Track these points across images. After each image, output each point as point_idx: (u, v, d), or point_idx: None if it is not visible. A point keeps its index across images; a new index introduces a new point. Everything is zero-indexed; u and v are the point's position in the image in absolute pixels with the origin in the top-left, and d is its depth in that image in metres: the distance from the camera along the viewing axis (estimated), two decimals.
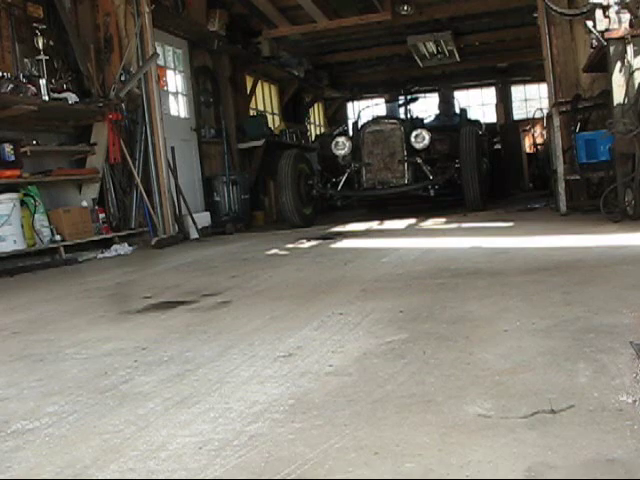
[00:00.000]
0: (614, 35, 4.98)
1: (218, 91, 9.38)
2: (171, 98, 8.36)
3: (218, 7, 9.11)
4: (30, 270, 5.22)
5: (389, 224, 7.09)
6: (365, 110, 10.18)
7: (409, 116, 8.95)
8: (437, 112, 10.51)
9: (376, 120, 7.92)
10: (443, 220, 6.69)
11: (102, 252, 6.02)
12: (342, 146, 7.79)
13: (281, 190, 7.57)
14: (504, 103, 17.71)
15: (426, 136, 7.57)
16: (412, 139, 7.57)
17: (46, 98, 5.79)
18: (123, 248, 6.16)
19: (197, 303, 3.03)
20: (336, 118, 15.35)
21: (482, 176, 7.60)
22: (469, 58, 13.50)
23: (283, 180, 7.50)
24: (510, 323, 2.07)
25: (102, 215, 6.55)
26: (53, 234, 5.74)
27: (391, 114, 8.67)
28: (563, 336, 1.86)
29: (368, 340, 2.03)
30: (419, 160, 7.58)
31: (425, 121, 9.24)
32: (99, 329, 2.63)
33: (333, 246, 5.16)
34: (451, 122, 9.60)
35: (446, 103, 10.75)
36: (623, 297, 2.30)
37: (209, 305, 2.95)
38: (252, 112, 10.52)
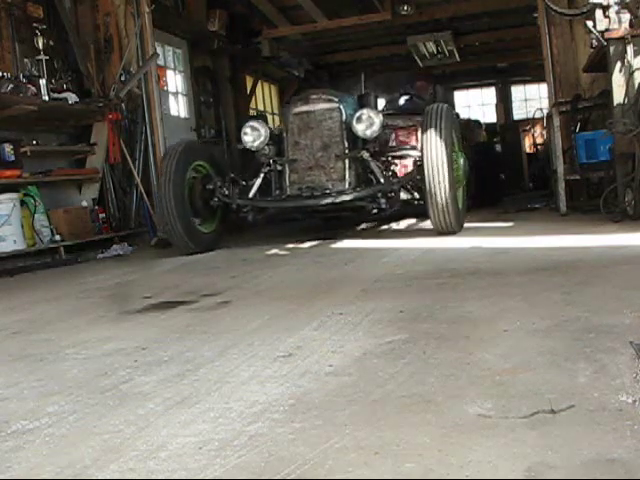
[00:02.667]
0: (614, 35, 4.99)
1: (218, 91, 9.38)
2: (171, 98, 8.36)
3: (218, 7, 9.10)
4: (30, 270, 5.23)
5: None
6: None
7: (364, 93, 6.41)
8: (412, 93, 8.23)
9: (305, 97, 5.47)
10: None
11: (102, 252, 6.02)
12: (254, 134, 5.41)
13: (161, 198, 5.21)
14: (504, 103, 17.71)
15: (375, 119, 5.12)
16: (354, 124, 5.12)
17: (46, 98, 5.78)
18: (123, 248, 6.16)
19: (197, 303, 3.03)
20: None
21: (460, 178, 5.32)
22: (469, 58, 13.49)
23: (164, 184, 5.15)
24: (510, 323, 2.07)
25: (102, 215, 6.54)
26: (53, 234, 5.74)
27: (330, 90, 5.82)
28: (563, 336, 1.86)
29: (368, 340, 2.03)
30: (366, 155, 5.17)
31: (399, 104, 7.50)
32: (99, 329, 2.63)
33: (333, 246, 5.16)
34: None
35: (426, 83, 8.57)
36: (623, 297, 2.30)
37: (209, 305, 2.95)
38: (252, 112, 10.51)
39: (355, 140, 5.28)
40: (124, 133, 6.82)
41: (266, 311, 2.68)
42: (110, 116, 6.55)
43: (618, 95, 4.98)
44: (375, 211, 5.19)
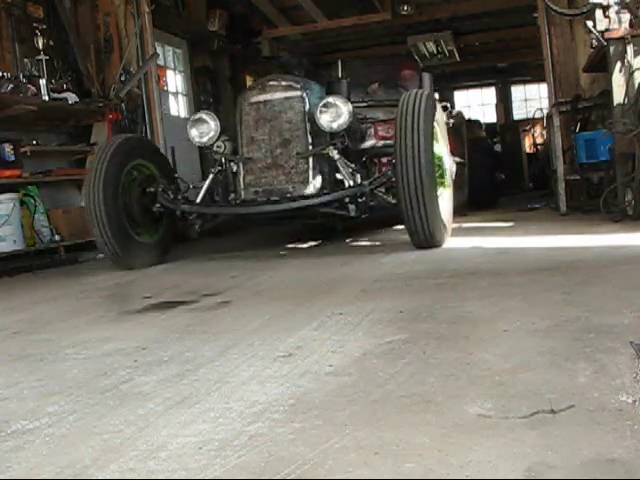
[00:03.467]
0: (614, 35, 4.99)
1: (218, 91, 9.37)
2: (171, 98, 8.36)
3: (218, 7, 9.11)
4: (30, 270, 5.22)
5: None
6: None
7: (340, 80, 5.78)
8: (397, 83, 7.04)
9: (261, 84, 4.68)
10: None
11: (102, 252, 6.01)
12: (202, 128, 4.70)
13: (88, 201, 4.39)
14: (504, 103, 17.72)
15: (342, 109, 4.38)
16: (317, 114, 4.39)
17: (46, 98, 5.78)
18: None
19: (197, 303, 3.03)
20: None
21: (445, 179, 4.57)
22: (469, 58, 13.49)
23: (92, 185, 4.36)
24: (510, 323, 2.07)
25: None
26: (53, 234, 5.74)
27: (292, 76, 5.07)
28: (563, 336, 1.86)
29: (368, 340, 2.03)
30: (333, 153, 4.43)
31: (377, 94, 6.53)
32: (99, 329, 2.63)
33: (333, 246, 5.15)
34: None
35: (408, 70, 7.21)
36: (623, 297, 2.30)
37: (209, 305, 2.95)
38: None
39: (321, 135, 4.53)
40: (124, 133, 6.82)
41: (266, 311, 2.68)
42: (110, 116, 6.55)
43: (618, 95, 4.98)
44: (342, 213, 4.38)
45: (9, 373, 2.05)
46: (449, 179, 4.51)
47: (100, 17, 7.04)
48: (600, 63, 5.52)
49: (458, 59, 12.79)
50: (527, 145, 14.42)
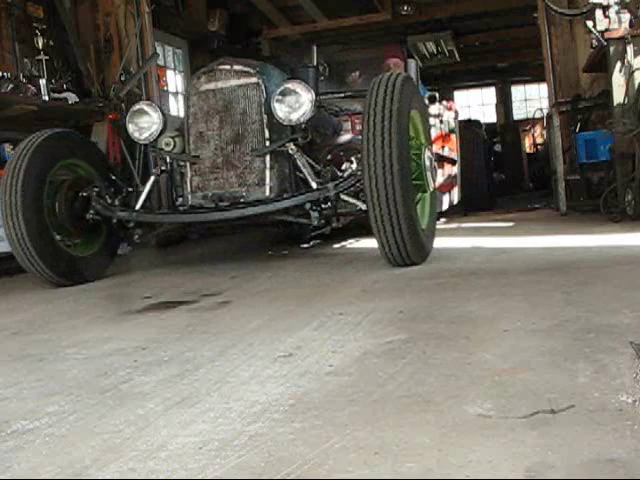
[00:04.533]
0: (614, 35, 5.00)
1: None
2: (171, 98, 8.37)
3: (218, 7, 9.11)
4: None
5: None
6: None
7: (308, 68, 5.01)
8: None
9: (211, 70, 3.99)
10: (442, 220, 6.68)
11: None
12: (141, 122, 4.12)
13: (4, 206, 3.73)
14: (504, 103, 17.74)
15: (303, 97, 3.75)
16: (274, 104, 3.76)
17: (46, 98, 5.78)
18: (122, 248, 6.15)
19: (197, 303, 3.03)
20: None
21: (424, 182, 3.73)
22: (469, 58, 13.51)
23: (9, 186, 3.72)
24: (510, 323, 2.07)
25: None
26: None
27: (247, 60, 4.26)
28: (563, 336, 1.86)
29: (368, 340, 2.03)
30: (293, 149, 3.79)
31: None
32: (99, 329, 2.63)
33: (333, 246, 5.16)
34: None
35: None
36: (623, 297, 2.30)
37: (209, 305, 2.95)
38: None
39: (282, 129, 3.89)
40: (124, 133, 6.81)
41: (266, 311, 2.68)
42: (110, 116, 6.55)
43: (618, 95, 4.98)
44: (304, 222, 3.76)
45: (9, 373, 2.05)
46: (431, 181, 3.79)
47: (100, 17, 7.04)
48: (600, 63, 5.52)
49: (458, 59, 12.80)
50: (527, 145, 14.44)
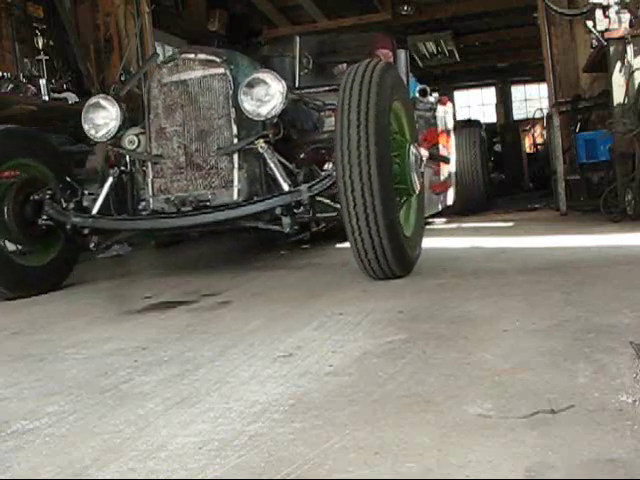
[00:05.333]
0: (614, 35, 5.00)
1: None
2: None
3: (218, 7, 9.11)
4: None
5: None
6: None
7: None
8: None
9: (174, 59, 3.63)
10: (442, 220, 6.68)
11: (101, 252, 6.01)
12: (97, 118, 3.68)
13: None
14: (504, 103, 17.74)
15: (274, 88, 3.35)
16: (240, 96, 3.38)
17: (46, 98, 5.78)
18: (123, 248, 6.15)
19: (197, 303, 3.03)
20: None
21: (409, 185, 3.30)
22: (469, 58, 13.52)
23: None
24: (510, 323, 2.07)
25: None
26: None
27: (214, 48, 3.97)
28: (563, 336, 1.86)
29: (368, 340, 2.03)
30: (263, 147, 3.42)
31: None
32: (99, 329, 2.63)
33: (334, 246, 5.16)
34: None
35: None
36: (623, 297, 2.30)
37: (209, 305, 2.95)
38: None
39: (251, 124, 3.47)
40: None
41: (266, 311, 2.68)
42: None
43: (618, 95, 4.98)
44: (275, 228, 3.37)
45: (9, 373, 2.05)
46: (416, 182, 3.37)
47: (100, 17, 7.05)
48: (600, 63, 5.52)
49: (458, 59, 12.82)
50: (527, 145, 14.44)
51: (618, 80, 4.98)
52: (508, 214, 7.02)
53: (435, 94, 6.11)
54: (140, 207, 3.67)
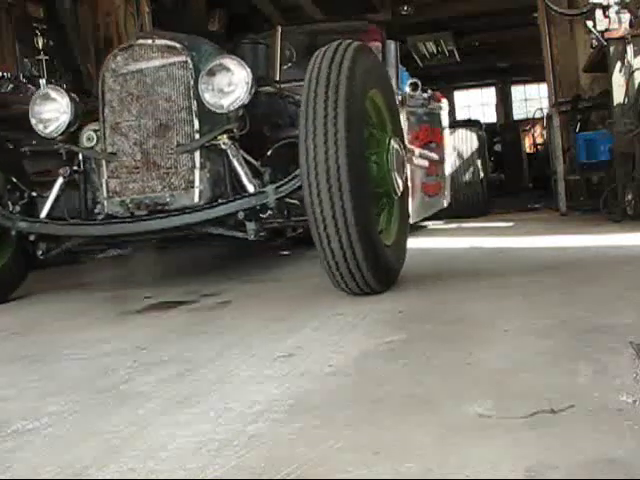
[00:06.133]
0: (614, 35, 5.00)
1: None
2: None
3: (218, 7, 9.12)
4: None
5: None
6: None
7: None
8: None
9: (128, 46, 3.27)
10: (441, 221, 6.68)
11: (101, 252, 6.02)
12: (46, 113, 3.36)
13: None
14: (504, 103, 17.75)
15: (238, 76, 3.00)
16: (201, 86, 3.04)
17: None
18: (123, 248, 6.15)
19: (197, 303, 3.03)
20: None
21: (388, 186, 2.94)
22: (469, 58, 13.52)
23: None
24: (510, 323, 2.07)
25: None
26: None
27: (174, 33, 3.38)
28: (563, 336, 1.86)
29: (368, 340, 2.03)
30: (225, 143, 3.08)
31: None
32: (99, 329, 2.63)
33: None
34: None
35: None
36: (623, 297, 2.30)
37: (209, 305, 2.95)
38: None
39: (215, 118, 3.09)
40: None
41: (266, 311, 2.68)
42: None
43: (618, 95, 4.99)
44: (239, 235, 3.03)
45: (8, 373, 2.05)
46: (398, 182, 3.01)
47: (100, 17, 7.05)
48: (600, 63, 5.52)
49: (458, 59, 12.81)
50: (527, 145, 14.45)
51: (618, 80, 4.98)
52: (508, 214, 7.02)
53: (430, 92, 5.74)
54: (96, 210, 3.33)
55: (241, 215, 2.92)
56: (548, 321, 2.05)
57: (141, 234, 3.18)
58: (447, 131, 6.46)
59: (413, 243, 4.81)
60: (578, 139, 6.33)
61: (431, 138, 5.78)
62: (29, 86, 5.65)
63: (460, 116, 15.59)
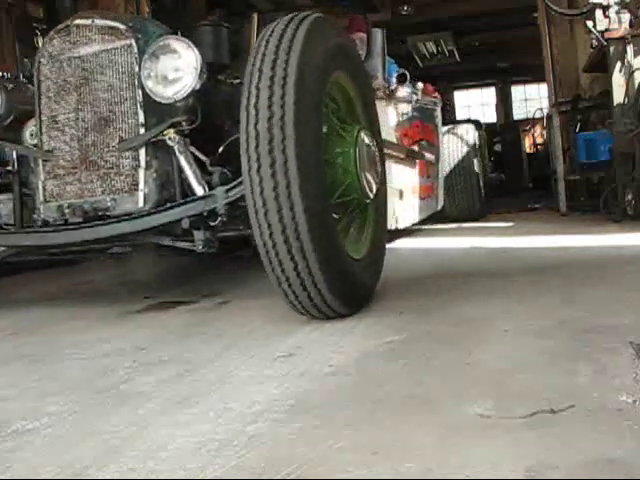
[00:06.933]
0: (614, 35, 5.00)
1: None
2: None
3: (218, 7, 9.12)
4: (29, 270, 5.21)
5: None
6: None
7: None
8: None
9: (65, 27, 2.86)
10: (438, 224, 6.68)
11: (101, 252, 6.00)
12: None
13: None
14: (504, 103, 17.74)
15: (185, 59, 2.62)
16: (143, 72, 2.66)
17: None
18: (123, 248, 6.13)
19: (197, 303, 3.03)
20: None
21: (357, 189, 2.47)
22: (469, 58, 13.51)
23: None
24: (510, 323, 2.07)
25: None
26: None
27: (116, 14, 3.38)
28: (563, 336, 1.86)
29: (368, 340, 2.03)
30: (171, 139, 2.68)
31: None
32: (98, 329, 2.63)
33: None
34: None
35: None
36: (623, 297, 2.30)
37: (209, 305, 2.95)
38: None
39: (164, 110, 2.70)
40: None
41: (265, 312, 2.67)
42: None
43: (618, 95, 4.99)
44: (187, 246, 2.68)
45: (8, 373, 2.05)
46: (371, 183, 2.59)
47: None
48: (600, 63, 5.52)
49: (458, 59, 12.80)
50: (527, 145, 14.45)
51: (618, 80, 4.98)
52: (508, 214, 7.02)
53: (420, 84, 5.30)
54: (35, 216, 2.93)
55: (186, 223, 2.54)
56: (548, 321, 2.05)
57: (73, 245, 2.82)
58: (442, 128, 6.10)
59: (413, 243, 4.82)
60: (578, 139, 6.33)
61: (423, 136, 5.31)
62: (29, 86, 5.65)
63: (460, 116, 15.60)
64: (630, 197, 4.83)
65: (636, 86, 4.87)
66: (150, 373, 1.88)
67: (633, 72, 4.89)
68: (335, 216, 2.34)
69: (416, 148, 5.10)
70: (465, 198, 6.31)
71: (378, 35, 4.59)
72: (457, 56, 12.62)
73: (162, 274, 4.40)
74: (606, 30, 5.04)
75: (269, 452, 1.25)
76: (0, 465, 1.31)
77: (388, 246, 4.32)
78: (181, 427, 1.43)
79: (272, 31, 2.23)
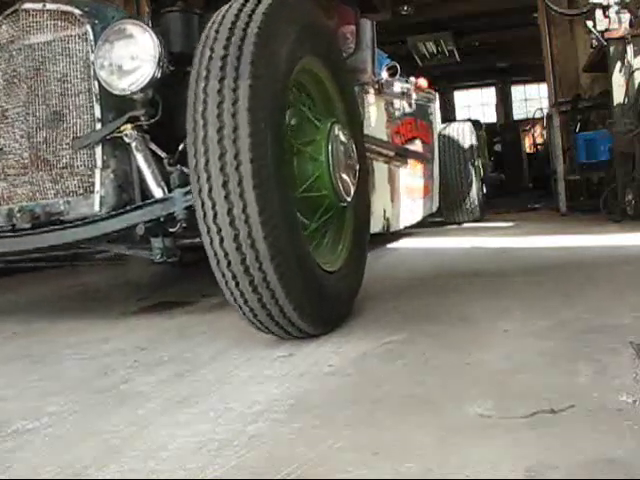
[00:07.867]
0: (614, 35, 5.01)
1: None
2: None
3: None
4: (28, 270, 5.21)
5: None
6: None
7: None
8: None
9: (14, 12, 2.56)
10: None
11: (101, 252, 6.00)
12: None
13: None
14: (504, 103, 17.75)
15: (142, 45, 2.33)
16: (96, 60, 2.37)
17: None
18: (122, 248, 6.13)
19: (197, 304, 3.03)
20: None
21: (330, 192, 2.19)
22: (469, 58, 13.51)
23: None
24: (510, 323, 2.07)
25: None
26: None
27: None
28: (563, 336, 1.86)
29: (367, 341, 2.02)
30: (127, 135, 2.41)
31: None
32: (98, 330, 2.63)
33: None
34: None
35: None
36: (623, 297, 2.30)
37: (209, 306, 2.95)
38: None
39: (123, 103, 2.45)
40: None
41: None
42: None
43: (618, 95, 4.99)
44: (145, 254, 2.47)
45: (8, 373, 2.05)
46: (347, 184, 2.31)
47: None
48: (600, 63, 5.53)
49: (458, 59, 12.80)
50: (527, 145, 14.46)
51: (618, 80, 4.98)
52: (508, 214, 7.02)
53: (413, 79, 5.01)
54: None
55: (140, 229, 2.30)
56: (548, 321, 2.05)
57: (21, 253, 2.60)
58: (438, 127, 5.79)
59: (413, 243, 4.82)
60: (578, 139, 6.33)
61: (416, 133, 5.02)
62: None
63: (460, 116, 15.60)
64: (630, 197, 4.83)
65: (636, 86, 4.87)
66: (150, 373, 1.89)
67: (633, 72, 4.89)
68: (304, 221, 2.13)
69: (409, 146, 4.85)
70: (464, 198, 6.04)
71: (367, 26, 4.30)
72: (457, 56, 12.61)
73: (160, 274, 4.40)
74: (606, 30, 5.04)
75: (269, 452, 1.25)
76: (0, 465, 1.31)
77: (388, 246, 4.33)
78: (181, 427, 1.43)
79: (230, 6, 2.01)
